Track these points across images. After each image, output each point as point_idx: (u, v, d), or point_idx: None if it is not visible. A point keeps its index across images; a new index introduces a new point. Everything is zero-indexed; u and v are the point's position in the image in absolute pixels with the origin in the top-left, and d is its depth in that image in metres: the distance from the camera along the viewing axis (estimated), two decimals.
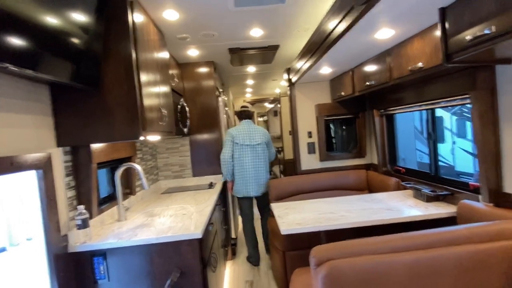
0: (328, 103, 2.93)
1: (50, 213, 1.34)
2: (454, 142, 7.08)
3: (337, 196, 2.77)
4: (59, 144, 1.47)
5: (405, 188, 2.29)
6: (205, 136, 3.08)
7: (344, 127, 3.12)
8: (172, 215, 1.89)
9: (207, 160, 3.08)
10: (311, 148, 2.99)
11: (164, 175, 3.06)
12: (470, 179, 2.21)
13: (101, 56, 1.44)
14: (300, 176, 2.86)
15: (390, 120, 2.65)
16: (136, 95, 1.49)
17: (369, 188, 2.78)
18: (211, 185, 2.80)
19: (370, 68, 2.16)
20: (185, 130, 2.79)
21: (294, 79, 2.88)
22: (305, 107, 2.99)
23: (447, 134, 7.14)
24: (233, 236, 3.17)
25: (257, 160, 2.78)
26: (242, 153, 2.73)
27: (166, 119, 1.94)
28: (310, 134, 2.99)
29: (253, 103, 6.47)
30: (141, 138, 1.53)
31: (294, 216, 1.86)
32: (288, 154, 4.10)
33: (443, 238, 1.12)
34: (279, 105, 4.52)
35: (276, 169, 5.45)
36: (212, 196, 2.35)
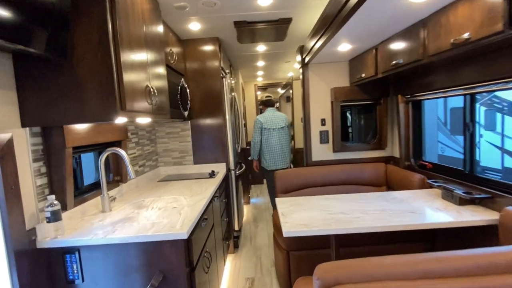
0: (346, 87, 2.59)
1: (10, 204, 1.15)
2: (481, 135, 6.63)
3: (352, 192, 2.49)
4: (24, 124, 1.26)
5: (431, 186, 1.98)
6: (207, 121, 2.83)
7: (362, 115, 2.79)
8: (161, 208, 1.68)
9: (209, 147, 2.84)
10: (324, 137, 2.69)
11: (163, 161, 2.86)
12: (497, 175, 1.89)
13: (69, 19, 1.20)
14: (310, 168, 2.58)
15: (417, 108, 2.30)
16: (112, 66, 1.24)
17: (388, 184, 2.48)
18: (212, 174, 2.57)
19: (398, 44, 1.82)
20: (185, 113, 2.55)
21: (307, 58, 2.55)
22: (319, 91, 2.67)
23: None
24: (236, 228, 2.97)
25: (282, 140, 3.42)
26: (269, 136, 3.38)
27: (156, 98, 1.70)
28: (323, 122, 2.68)
29: (265, 87, 6.16)
30: (119, 119, 1.30)
31: (300, 215, 1.61)
32: (299, 143, 3.83)
33: (495, 262, 0.83)
34: (291, 91, 4.21)
35: None
36: (210, 187, 2.13)
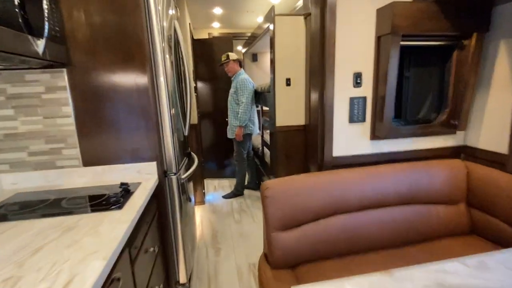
0: (413, 5, 1.25)
1: None
2: None
3: (416, 220, 1.28)
4: None
5: None
6: (114, 78, 1.27)
7: (421, 69, 1.51)
8: None
9: (119, 128, 1.32)
10: (357, 112, 1.37)
11: (10, 162, 1.27)
12: None
13: None
14: (331, 173, 1.27)
15: None
16: None
17: (470, 200, 1.32)
18: (123, 194, 1.10)
19: None
20: (39, 44, 0.97)
21: None
22: (353, 12, 1.30)
23: None
24: (182, 280, 1.59)
25: None
26: (253, 98, 3.14)
27: None
28: (358, 80, 1.35)
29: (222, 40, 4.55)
30: None
31: None
32: (283, 119, 2.50)
33: None
34: (271, 48, 2.75)
35: (255, 139, 3.77)
36: (94, 266, 0.67)
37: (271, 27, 2.48)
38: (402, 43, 1.25)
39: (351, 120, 1.37)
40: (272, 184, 1.20)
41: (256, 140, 3.73)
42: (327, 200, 1.22)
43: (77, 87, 1.25)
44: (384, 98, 1.28)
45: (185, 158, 1.80)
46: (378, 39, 1.30)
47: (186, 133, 1.79)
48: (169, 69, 1.44)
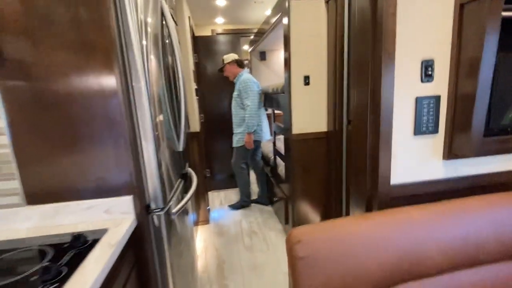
0: None
1: None
2: None
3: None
4: None
5: None
6: (69, 80, 0.87)
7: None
8: None
9: (75, 150, 0.91)
10: (427, 118, 0.94)
11: None
12: None
13: None
14: (393, 212, 0.83)
15: None
16: None
17: None
18: (70, 258, 0.69)
19: None
20: None
21: None
22: None
23: None
24: None
25: None
26: (260, 101, 2.84)
27: None
28: (428, 70, 0.91)
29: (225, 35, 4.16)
30: None
31: None
32: (301, 125, 2.07)
33: None
34: (285, 42, 2.32)
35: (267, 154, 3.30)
36: None
37: (285, 16, 2.06)
38: (504, 13, 0.81)
39: (418, 131, 0.93)
40: (306, 235, 0.77)
41: (266, 147, 3.30)
42: (392, 258, 0.78)
43: (12, 91, 0.85)
44: (474, 97, 0.84)
45: (179, 180, 1.39)
46: (461, 7, 0.86)
47: (180, 148, 1.38)
48: (154, 70, 1.04)
